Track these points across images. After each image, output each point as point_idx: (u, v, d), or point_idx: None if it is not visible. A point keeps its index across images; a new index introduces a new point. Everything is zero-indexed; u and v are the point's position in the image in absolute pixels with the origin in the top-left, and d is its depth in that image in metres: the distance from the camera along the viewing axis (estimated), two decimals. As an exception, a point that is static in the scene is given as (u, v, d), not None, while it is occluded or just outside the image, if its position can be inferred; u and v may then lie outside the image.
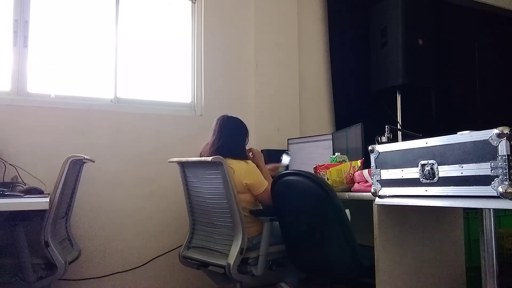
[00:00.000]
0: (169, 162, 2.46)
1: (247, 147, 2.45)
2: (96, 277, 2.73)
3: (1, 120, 2.56)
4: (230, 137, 2.34)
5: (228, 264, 2.07)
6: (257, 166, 2.36)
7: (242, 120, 2.47)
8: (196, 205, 2.42)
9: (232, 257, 2.08)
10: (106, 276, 2.76)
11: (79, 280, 2.67)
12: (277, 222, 2.25)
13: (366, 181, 1.99)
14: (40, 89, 2.77)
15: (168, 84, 3.25)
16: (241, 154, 2.33)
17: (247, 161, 2.30)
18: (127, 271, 2.82)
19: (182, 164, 2.42)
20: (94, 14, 3.00)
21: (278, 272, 2.38)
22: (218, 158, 2.11)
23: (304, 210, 1.97)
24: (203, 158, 2.22)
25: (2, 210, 1.66)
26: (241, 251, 2.09)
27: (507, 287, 2.18)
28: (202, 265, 2.38)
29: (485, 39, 4.51)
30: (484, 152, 1.21)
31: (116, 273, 2.78)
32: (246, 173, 2.24)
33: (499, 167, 1.17)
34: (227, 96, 3.32)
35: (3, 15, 2.69)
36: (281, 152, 3.30)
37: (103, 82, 2.98)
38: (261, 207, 2.37)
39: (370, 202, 1.74)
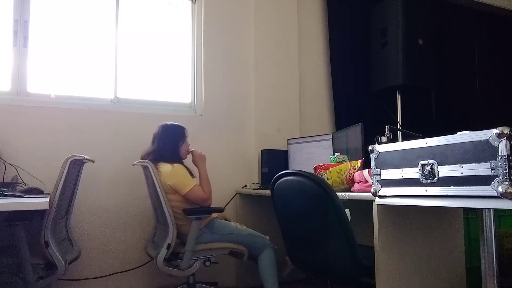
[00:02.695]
0: (133, 165, 2.53)
1: (189, 149, 2.64)
2: (96, 277, 2.73)
3: (1, 120, 2.56)
4: (162, 143, 2.54)
5: (156, 257, 2.35)
6: (197, 168, 2.60)
7: (178, 125, 2.62)
8: (153, 204, 2.65)
9: (159, 251, 2.35)
10: (106, 276, 2.76)
11: (79, 280, 2.67)
12: (222, 221, 2.58)
13: (366, 181, 1.99)
14: (40, 89, 2.77)
15: (168, 84, 3.25)
16: (170, 157, 2.50)
17: (174, 164, 2.46)
18: (127, 271, 2.82)
19: (142, 167, 2.60)
20: (94, 14, 3.01)
21: (215, 269, 2.55)
22: (143, 161, 2.41)
23: (304, 210, 1.97)
24: (136, 162, 2.48)
25: (2, 210, 1.66)
26: (167, 246, 2.33)
27: (507, 287, 2.19)
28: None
29: (485, 39, 4.51)
30: (484, 152, 1.21)
31: (116, 273, 2.78)
32: (169, 175, 2.41)
33: (499, 167, 1.17)
34: (227, 96, 3.32)
35: (3, 15, 2.70)
36: (281, 152, 3.31)
37: (103, 82, 2.98)
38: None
39: (370, 202, 1.74)
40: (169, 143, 2.55)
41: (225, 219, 2.71)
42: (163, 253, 2.34)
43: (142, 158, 2.53)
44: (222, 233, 2.50)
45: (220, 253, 2.50)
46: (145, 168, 2.45)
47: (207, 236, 2.48)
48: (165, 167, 2.44)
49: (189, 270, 2.40)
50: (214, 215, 2.56)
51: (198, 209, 2.44)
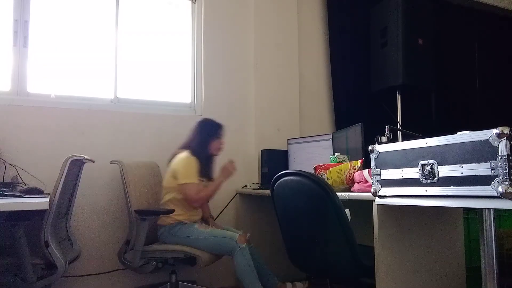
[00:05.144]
0: (110, 163, 2.64)
1: (222, 147, 2.71)
2: (95, 274, 2.73)
3: (1, 120, 2.56)
4: (193, 136, 2.66)
5: (118, 252, 2.55)
6: (218, 175, 2.64)
7: (214, 122, 2.69)
8: None
9: (121, 246, 2.53)
10: (105, 273, 2.76)
11: (79, 276, 2.67)
12: (187, 224, 2.51)
13: (366, 181, 1.99)
14: (40, 89, 2.77)
15: (168, 84, 3.25)
16: (195, 149, 2.57)
17: (191, 156, 2.53)
18: (126, 269, 2.82)
19: None
20: (94, 14, 3.01)
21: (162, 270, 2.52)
22: (113, 161, 2.59)
23: (304, 210, 1.97)
24: (112, 160, 2.63)
25: (2, 210, 1.66)
26: (125, 242, 2.51)
27: (507, 287, 2.18)
28: None
29: (485, 39, 4.51)
30: (484, 152, 1.21)
31: (116, 270, 2.78)
32: (179, 160, 2.54)
33: (499, 167, 1.17)
34: (227, 96, 3.32)
35: (3, 15, 2.70)
36: (281, 152, 3.31)
37: (103, 82, 2.98)
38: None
39: (370, 202, 1.74)
40: (199, 137, 2.64)
41: (205, 221, 2.70)
42: (122, 248, 2.52)
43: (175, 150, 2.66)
44: (180, 236, 2.46)
45: (174, 255, 2.45)
46: (120, 167, 2.58)
47: (165, 237, 2.50)
48: (182, 154, 2.56)
49: (144, 268, 2.45)
50: (180, 217, 2.51)
51: (146, 210, 2.46)
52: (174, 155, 2.64)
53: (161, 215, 2.51)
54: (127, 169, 2.54)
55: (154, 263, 2.44)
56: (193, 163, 2.52)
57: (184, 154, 2.55)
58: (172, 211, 2.46)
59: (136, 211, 2.42)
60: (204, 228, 2.51)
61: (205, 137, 2.64)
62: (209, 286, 2.91)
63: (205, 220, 2.74)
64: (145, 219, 2.37)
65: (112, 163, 2.60)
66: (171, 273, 2.64)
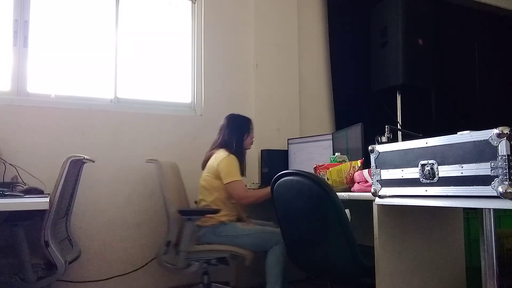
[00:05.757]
0: (146, 162, 2.63)
1: (253, 141, 2.72)
2: (96, 280, 2.73)
3: (1, 120, 2.56)
4: (228, 134, 2.62)
5: (157, 255, 2.46)
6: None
7: (245, 117, 2.70)
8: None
9: (160, 248, 2.45)
10: (105, 280, 2.75)
11: (79, 282, 2.67)
12: (230, 223, 2.50)
13: (366, 181, 1.99)
14: (40, 89, 2.77)
15: (168, 84, 3.25)
16: (233, 148, 2.57)
17: (231, 154, 2.53)
18: (127, 274, 2.82)
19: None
20: (94, 14, 3.01)
21: (213, 270, 2.51)
22: (151, 160, 2.51)
23: (304, 210, 1.97)
24: (147, 159, 2.57)
25: (2, 210, 1.66)
26: (166, 243, 2.42)
27: (507, 287, 2.18)
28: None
29: (485, 39, 4.51)
30: (484, 152, 1.21)
31: (116, 276, 2.78)
32: (221, 160, 2.50)
33: (499, 167, 1.17)
34: (227, 96, 3.32)
35: (3, 15, 2.69)
36: (281, 152, 3.31)
37: (103, 82, 2.98)
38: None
39: (370, 202, 1.74)
40: (235, 134, 2.61)
41: (240, 220, 2.67)
42: (161, 250, 2.41)
43: (210, 149, 2.65)
44: (224, 236, 2.45)
45: (220, 255, 2.45)
46: (158, 166, 2.48)
47: (209, 237, 2.46)
48: (221, 153, 2.54)
49: (188, 270, 2.40)
50: (223, 217, 2.49)
51: (191, 210, 2.46)
52: (209, 155, 2.62)
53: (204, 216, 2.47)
54: (165, 168, 2.50)
55: (198, 264, 2.42)
56: (235, 161, 2.51)
57: (223, 153, 2.53)
58: (218, 211, 2.44)
59: (180, 211, 2.39)
60: (246, 226, 2.53)
61: (239, 134, 2.63)
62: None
63: (240, 219, 2.71)
64: (190, 219, 2.34)
65: (148, 162, 2.58)
66: (203, 274, 2.54)
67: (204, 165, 2.65)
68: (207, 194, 2.55)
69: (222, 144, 2.60)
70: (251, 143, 2.72)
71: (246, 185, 2.68)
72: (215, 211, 2.45)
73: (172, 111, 3.15)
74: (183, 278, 2.95)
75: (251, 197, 2.54)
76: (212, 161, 2.56)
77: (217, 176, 2.50)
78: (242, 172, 2.59)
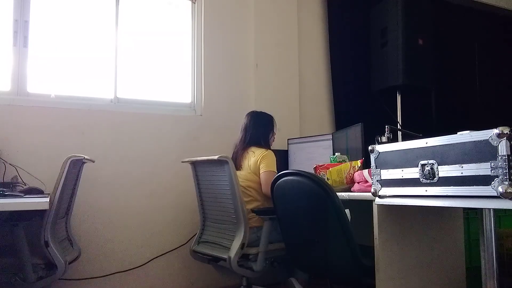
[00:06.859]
0: (182, 162, 2.66)
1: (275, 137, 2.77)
2: (96, 277, 2.73)
3: (1, 120, 2.56)
4: (255, 130, 2.67)
5: (229, 257, 2.22)
6: None
7: (268, 114, 2.77)
8: (206, 202, 2.61)
9: (233, 250, 2.23)
10: (106, 276, 2.75)
11: (80, 279, 2.67)
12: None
13: (366, 181, 1.99)
14: (40, 89, 2.77)
15: (168, 84, 3.24)
16: (262, 144, 2.63)
17: (268, 150, 2.59)
18: (127, 270, 2.82)
19: (194, 164, 2.63)
20: (94, 14, 3.00)
21: (280, 270, 2.45)
22: (224, 157, 2.28)
23: (304, 210, 1.97)
24: (210, 157, 2.35)
25: (2, 210, 1.66)
26: (241, 245, 2.23)
27: (507, 287, 2.18)
28: (212, 260, 2.50)
29: (485, 39, 4.51)
30: (484, 152, 1.21)
31: (116, 272, 2.78)
32: (264, 155, 2.53)
33: (499, 167, 1.17)
34: (227, 96, 3.32)
35: (3, 15, 2.69)
36: (281, 152, 3.30)
37: (103, 82, 2.98)
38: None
39: (370, 202, 1.74)
40: (262, 130, 2.68)
41: None
42: (237, 253, 2.22)
43: (235, 147, 2.67)
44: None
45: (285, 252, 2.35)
46: (224, 162, 2.27)
47: (273, 236, 2.38)
48: (259, 150, 2.57)
49: (261, 271, 2.33)
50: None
51: (267, 210, 2.37)
52: (241, 154, 2.62)
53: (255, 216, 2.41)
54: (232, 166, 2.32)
55: (276, 263, 2.37)
56: (274, 156, 2.57)
57: (261, 150, 2.57)
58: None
59: (254, 211, 2.36)
60: None
61: (265, 131, 2.68)
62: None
63: None
64: (267, 219, 2.30)
65: (183, 162, 2.62)
66: (242, 275, 2.44)
67: (236, 164, 2.57)
68: (256, 194, 2.53)
69: (252, 142, 2.64)
70: (274, 140, 2.78)
71: None
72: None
73: (172, 111, 3.15)
74: (182, 278, 2.95)
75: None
76: (252, 160, 2.55)
77: (257, 171, 2.52)
78: None
